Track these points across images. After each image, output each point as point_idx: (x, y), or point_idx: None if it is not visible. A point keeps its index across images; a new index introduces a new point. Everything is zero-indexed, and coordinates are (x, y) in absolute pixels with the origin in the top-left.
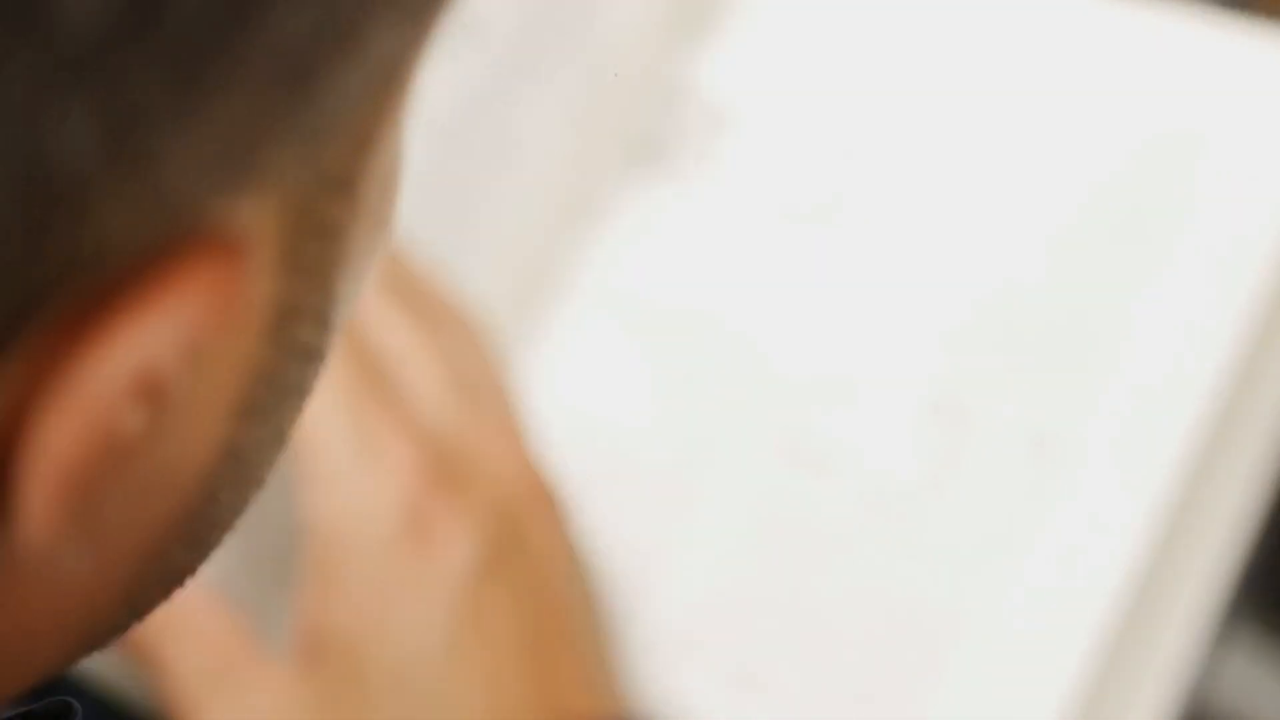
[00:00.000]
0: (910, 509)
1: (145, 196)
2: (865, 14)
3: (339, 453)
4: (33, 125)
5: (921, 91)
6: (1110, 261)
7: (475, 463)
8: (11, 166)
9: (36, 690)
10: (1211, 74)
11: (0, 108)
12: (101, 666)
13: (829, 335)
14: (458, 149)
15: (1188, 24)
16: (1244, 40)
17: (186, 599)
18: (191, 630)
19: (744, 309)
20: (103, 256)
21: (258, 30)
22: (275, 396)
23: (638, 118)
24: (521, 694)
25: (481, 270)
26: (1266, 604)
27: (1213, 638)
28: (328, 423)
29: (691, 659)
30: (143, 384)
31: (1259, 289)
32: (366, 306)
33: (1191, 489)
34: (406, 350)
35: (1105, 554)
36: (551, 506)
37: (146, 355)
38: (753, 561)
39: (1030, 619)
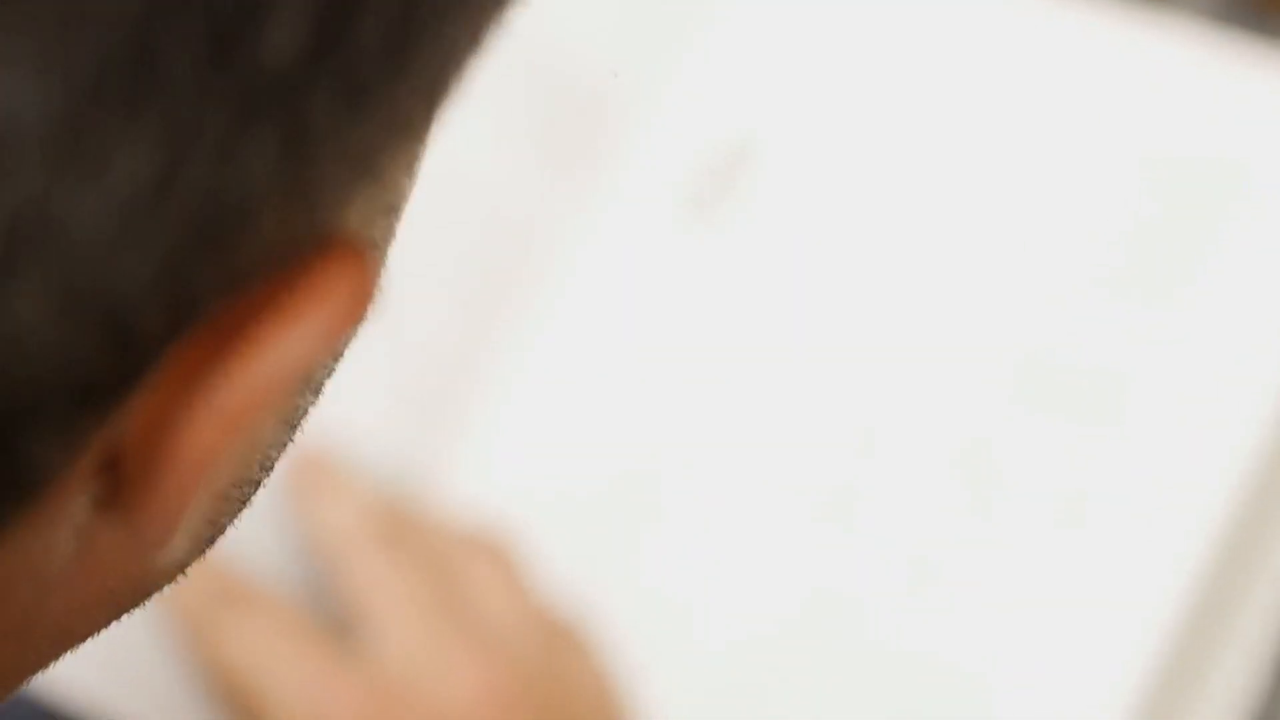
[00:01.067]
0: (939, 568)
1: (301, 209)
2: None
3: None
4: (224, 153)
5: (941, 122)
6: (1151, 303)
7: (549, 693)
8: (198, 188)
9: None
10: (1249, 102)
11: (198, 139)
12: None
13: (856, 385)
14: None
15: (1226, 53)
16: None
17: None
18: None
19: (769, 354)
20: (259, 267)
21: (417, 48)
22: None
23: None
24: None
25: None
26: None
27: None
28: (404, 629)
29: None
30: (285, 384)
31: None
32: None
33: (1235, 546)
34: (486, 580)
35: (1143, 615)
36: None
37: (296, 356)
38: (777, 627)
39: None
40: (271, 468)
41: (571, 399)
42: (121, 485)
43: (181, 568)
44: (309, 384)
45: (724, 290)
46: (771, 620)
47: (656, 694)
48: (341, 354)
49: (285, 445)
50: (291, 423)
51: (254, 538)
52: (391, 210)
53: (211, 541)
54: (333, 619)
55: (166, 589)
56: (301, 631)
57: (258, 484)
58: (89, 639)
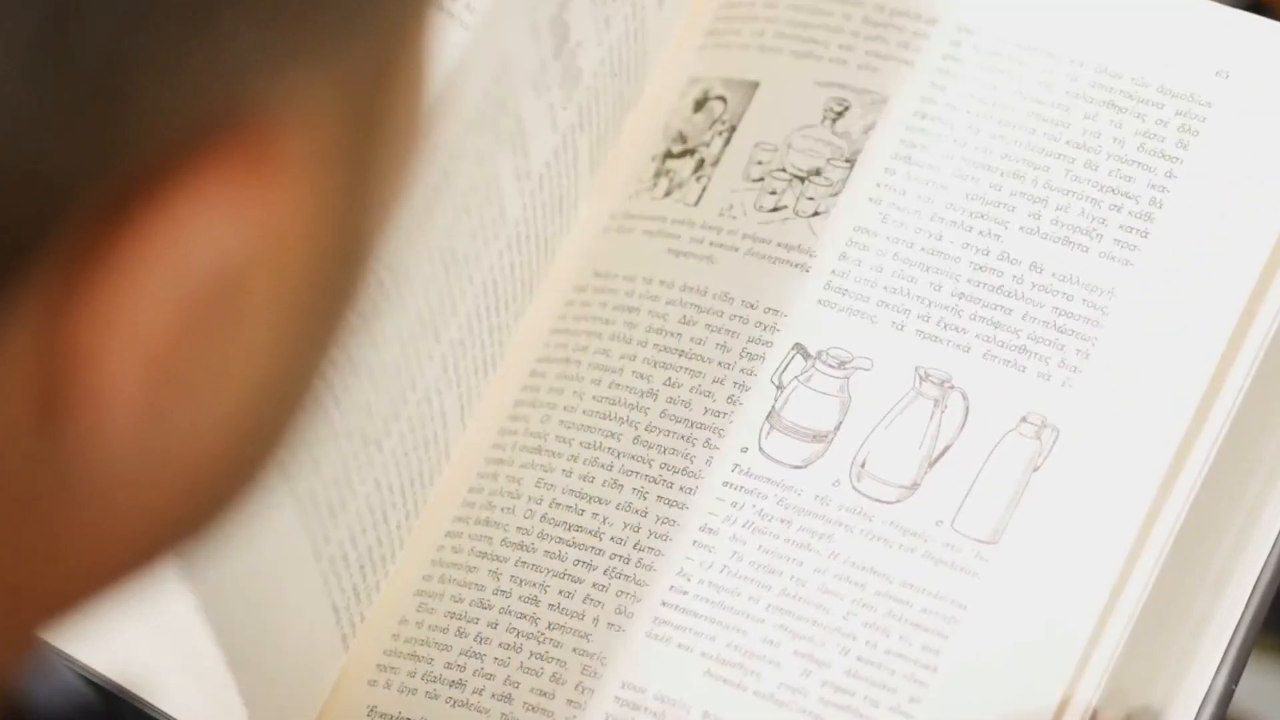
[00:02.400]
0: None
1: (204, 70)
2: None
3: None
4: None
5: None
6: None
7: None
8: (43, 53)
9: None
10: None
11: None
12: None
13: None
14: None
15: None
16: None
17: None
18: None
19: None
20: (158, 136)
21: None
22: (333, 310)
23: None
24: None
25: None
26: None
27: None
28: None
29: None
30: (203, 272)
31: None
32: None
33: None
34: None
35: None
36: None
37: (203, 240)
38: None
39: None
40: (287, 408)
41: None
42: (47, 396)
43: (184, 518)
44: (266, 289)
45: None
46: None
47: None
48: (301, 257)
49: (300, 386)
50: (298, 333)
51: None
52: (359, 101)
53: (245, 469)
54: None
55: None
56: None
57: (270, 427)
58: (133, 576)
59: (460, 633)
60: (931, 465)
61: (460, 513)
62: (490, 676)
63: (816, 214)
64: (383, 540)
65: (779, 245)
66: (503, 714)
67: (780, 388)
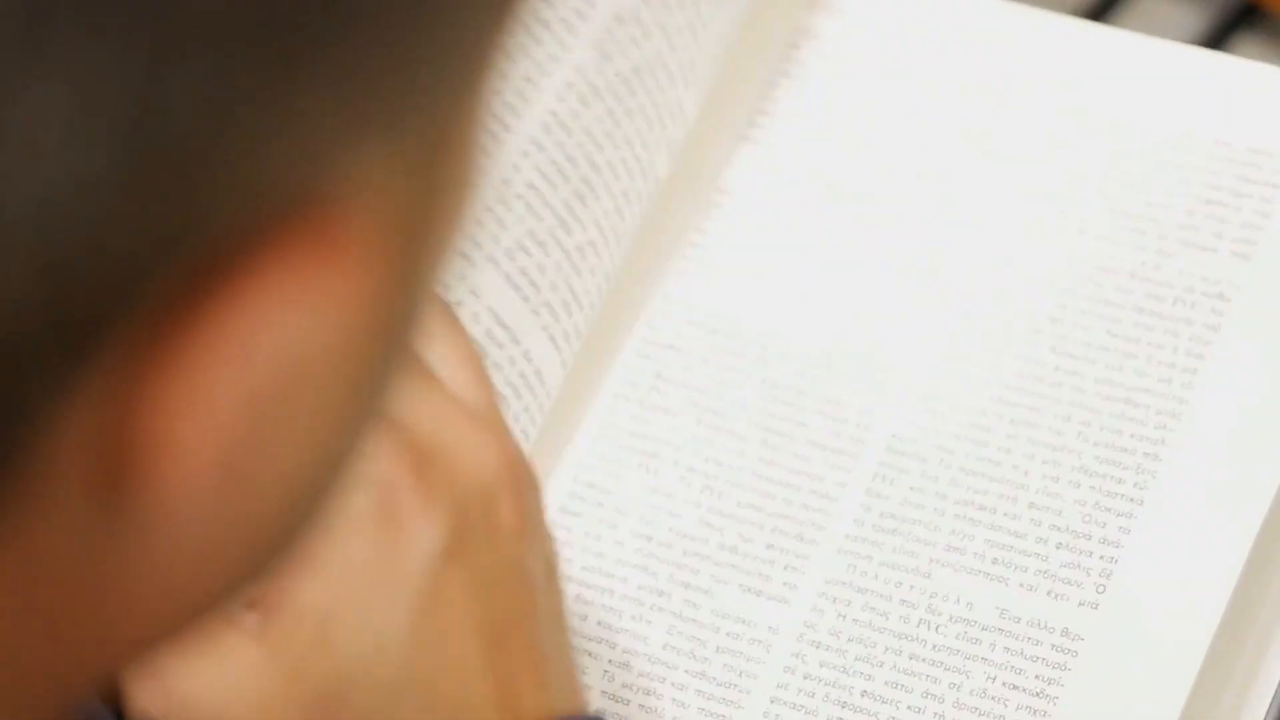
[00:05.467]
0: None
1: (268, 156)
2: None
3: None
4: (147, 95)
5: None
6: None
7: (453, 450)
8: (123, 135)
9: None
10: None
11: (117, 82)
12: None
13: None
14: None
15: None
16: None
17: None
18: None
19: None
20: (217, 235)
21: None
22: (381, 376)
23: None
24: (479, 689)
25: None
26: None
27: None
28: None
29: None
30: (277, 367)
31: None
32: None
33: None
34: None
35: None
36: (526, 494)
37: (279, 334)
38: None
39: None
40: (339, 470)
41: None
42: (110, 477)
43: (239, 574)
44: (338, 374)
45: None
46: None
47: None
48: (385, 337)
49: (350, 451)
50: (351, 412)
51: None
52: (423, 171)
53: (277, 547)
54: None
55: None
56: None
57: (323, 489)
58: (156, 649)
59: None
60: None
61: None
62: None
63: None
64: None
65: None
66: None
67: None
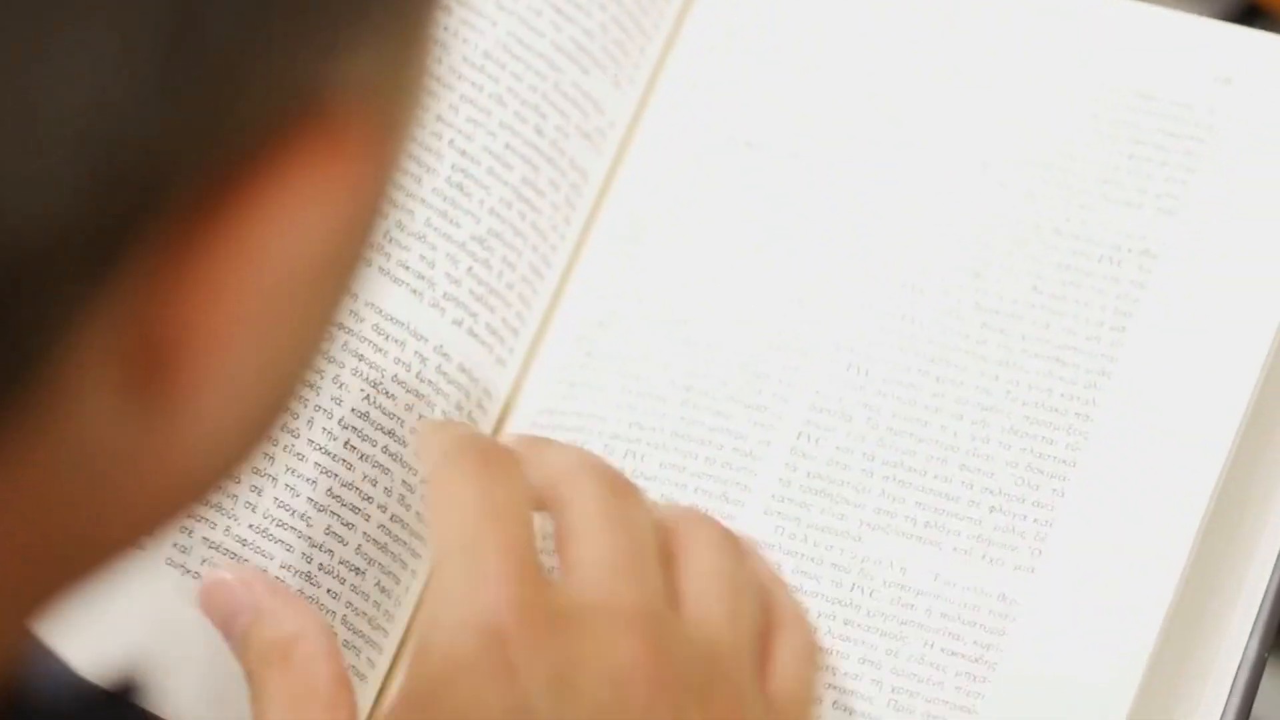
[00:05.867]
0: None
1: (283, 61)
2: None
3: (447, 546)
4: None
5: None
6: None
7: (590, 618)
8: (162, 42)
9: None
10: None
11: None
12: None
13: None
14: None
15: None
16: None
17: (308, 627)
18: (298, 667)
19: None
20: (241, 137)
21: None
22: (358, 264)
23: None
24: None
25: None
26: None
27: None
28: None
29: None
30: (292, 259)
31: None
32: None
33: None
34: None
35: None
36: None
37: (296, 227)
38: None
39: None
40: (317, 352)
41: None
42: (141, 371)
43: (239, 455)
44: (335, 263)
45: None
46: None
47: None
48: (369, 227)
49: (330, 331)
50: (331, 306)
51: None
52: (399, 69)
53: (268, 427)
54: None
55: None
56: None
57: (306, 367)
58: (154, 534)
59: None
60: None
61: None
62: None
63: None
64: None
65: None
66: None
67: None
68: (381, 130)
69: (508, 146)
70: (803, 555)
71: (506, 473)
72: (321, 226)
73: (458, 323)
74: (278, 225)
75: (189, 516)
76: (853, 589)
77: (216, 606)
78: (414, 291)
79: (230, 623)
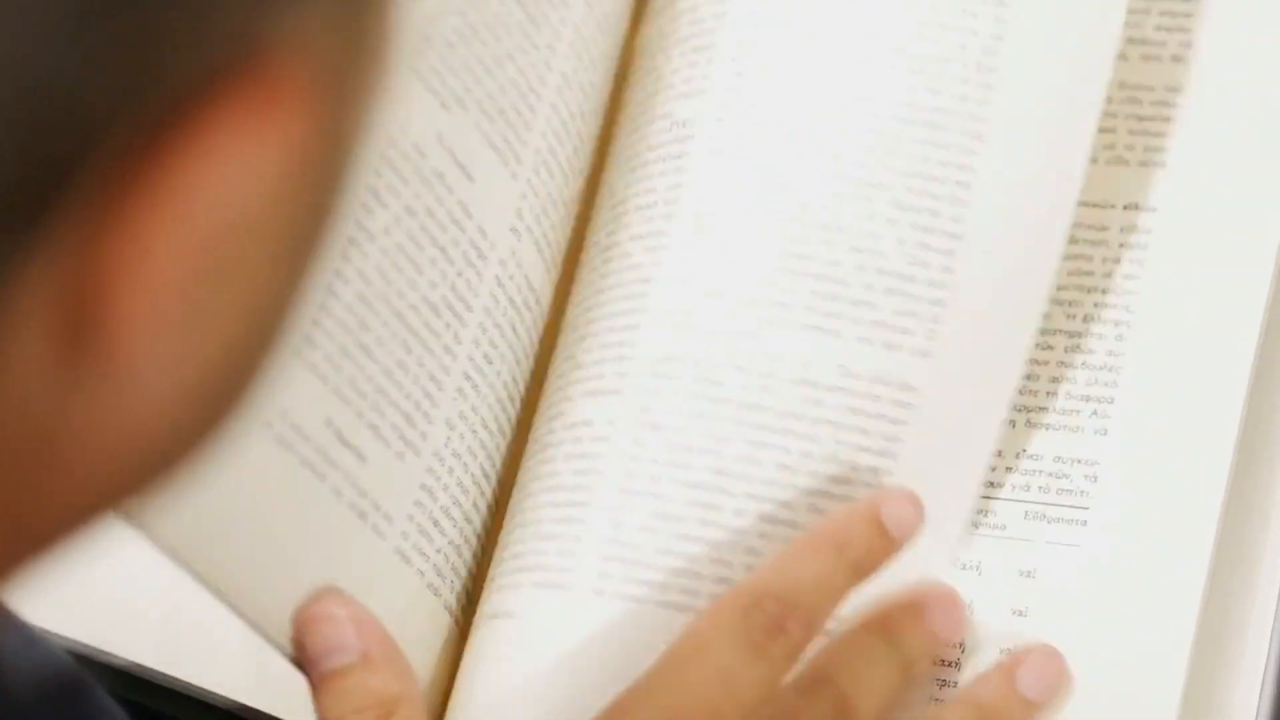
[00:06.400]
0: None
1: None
2: None
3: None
4: None
5: None
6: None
7: None
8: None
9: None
10: None
11: None
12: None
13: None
14: None
15: None
16: None
17: (412, 690)
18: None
19: None
20: (175, 84)
21: None
22: (314, 228)
23: None
24: None
25: None
26: None
27: None
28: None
29: None
30: (225, 213)
31: None
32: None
33: None
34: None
35: None
36: None
37: (225, 181)
38: None
39: None
40: (280, 321)
41: None
42: (71, 325)
43: (188, 432)
44: (277, 225)
45: None
46: None
47: None
48: (319, 191)
49: (292, 293)
50: (280, 275)
51: None
52: (348, 30)
53: (219, 407)
54: None
55: None
56: None
57: (267, 336)
58: (117, 505)
59: None
60: None
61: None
62: None
63: None
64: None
65: None
66: None
67: None
68: (329, 91)
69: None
70: (706, 362)
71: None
72: (254, 182)
73: None
74: (207, 178)
75: (146, 493)
76: (760, 391)
77: (317, 639)
78: None
79: (326, 659)
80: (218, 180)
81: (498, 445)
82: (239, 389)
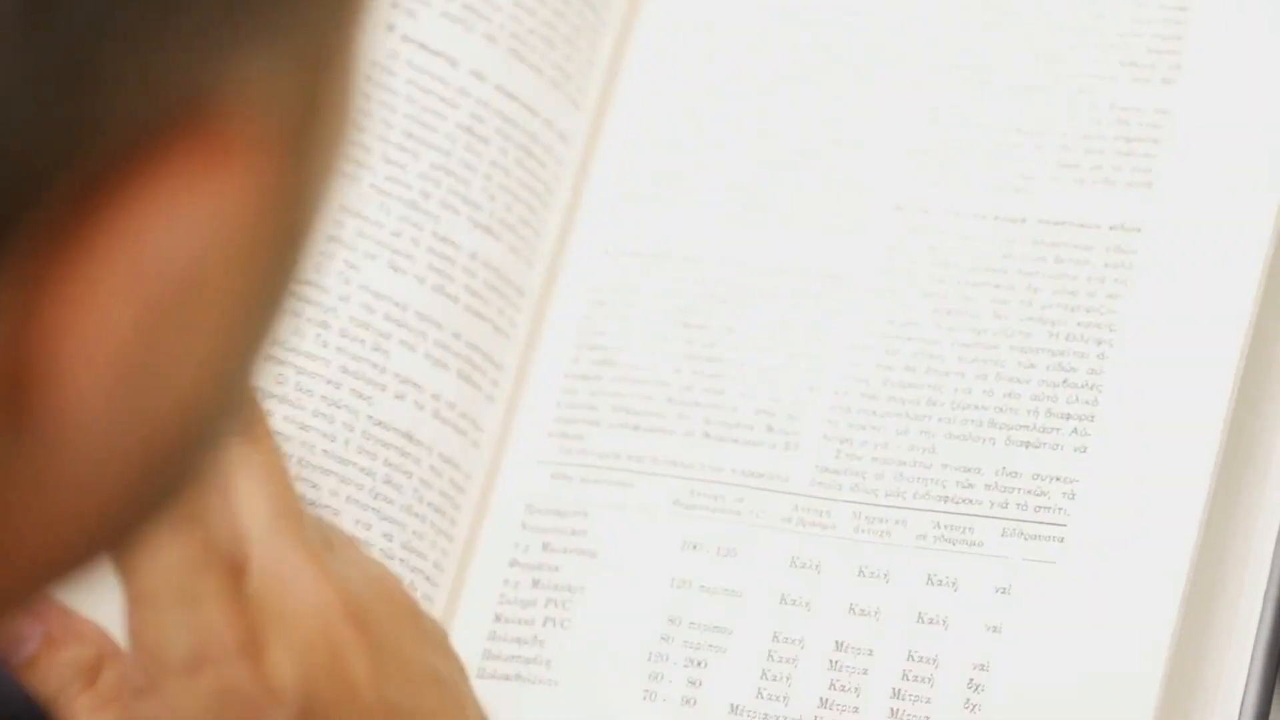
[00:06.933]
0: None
1: (159, 63)
2: None
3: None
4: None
5: None
6: None
7: (282, 615)
8: (11, 36)
9: None
10: None
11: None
12: None
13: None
14: None
15: None
16: None
17: (106, 645)
18: (105, 686)
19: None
20: (112, 140)
21: None
22: (273, 288)
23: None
24: None
25: None
26: None
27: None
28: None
29: None
30: (167, 275)
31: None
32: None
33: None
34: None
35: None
36: (377, 626)
37: (165, 240)
38: None
39: None
40: (237, 386)
41: None
42: (17, 388)
43: (141, 490)
44: (225, 284)
45: None
46: None
47: None
48: (274, 249)
49: (250, 351)
50: (244, 322)
51: None
52: (308, 85)
53: (179, 465)
54: None
55: None
56: None
57: (225, 397)
58: (64, 577)
59: None
60: None
61: None
62: None
63: None
64: None
65: None
66: None
67: None
68: (287, 145)
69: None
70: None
71: None
72: (204, 235)
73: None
74: (154, 230)
75: (90, 566)
76: None
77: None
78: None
79: (14, 654)
80: (165, 232)
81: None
82: (194, 453)
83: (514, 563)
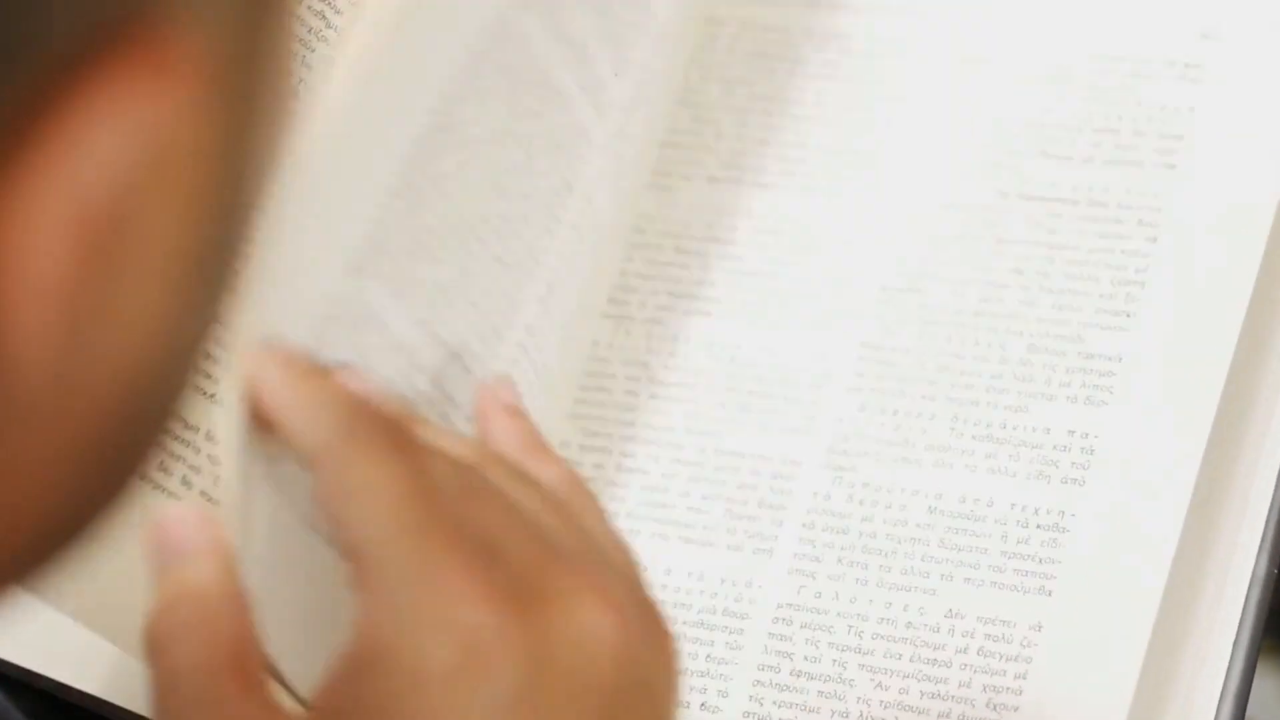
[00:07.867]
0: None
1: None
2: None
3: (398, 579)
4: None
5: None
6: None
7: (556, 592)
8: None
9: None
10: None
11: None
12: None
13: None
14: None
15: None
16: None
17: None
18: (199, 633)
19: None
20: (51, 44)
21: None
22: (223, 223)
23: None
24: None
25: None
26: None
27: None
28: (387, 546)
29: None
30: (102, 189)
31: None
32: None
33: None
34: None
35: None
36: (645, 656)
37: (98, 155)
38: None
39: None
40: (197, 335)
41: None
42: None
43: (103, 454)
44: (158, 207)
45: None
46: None
47: None
48: (190, 168)
49: (206, 310)
50: (194, 269)
51: None
52: (247, 18)
53: (130, 438)
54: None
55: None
56: None
57: (184, 351)
58: (36, 558)
59: None
60: None
61: None
62: None
63: None
64: None
65: None
66: None
67: None
68: (226, 67)
69: None
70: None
71: (422, 452)
72: (138, 153)
73: None
74: (82, 148)
75: (43, 557)
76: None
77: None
78: None
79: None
80: (98, 145)
81: None
82: (152, 417)
83: None
